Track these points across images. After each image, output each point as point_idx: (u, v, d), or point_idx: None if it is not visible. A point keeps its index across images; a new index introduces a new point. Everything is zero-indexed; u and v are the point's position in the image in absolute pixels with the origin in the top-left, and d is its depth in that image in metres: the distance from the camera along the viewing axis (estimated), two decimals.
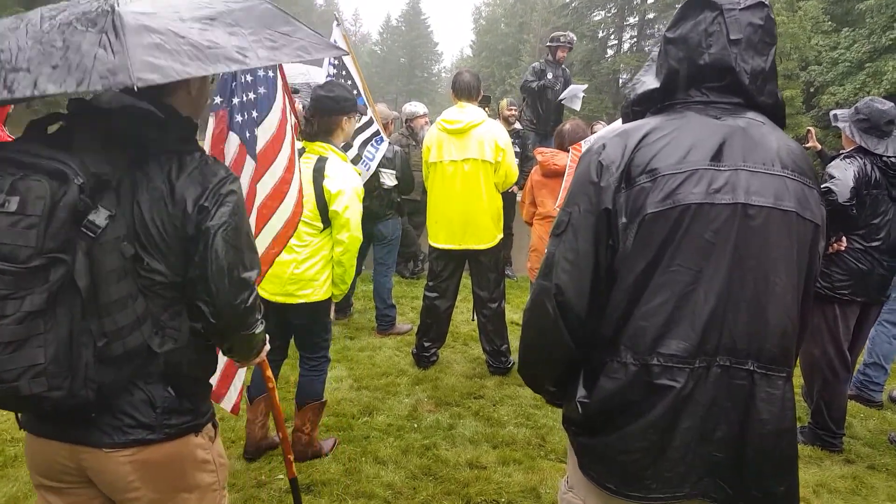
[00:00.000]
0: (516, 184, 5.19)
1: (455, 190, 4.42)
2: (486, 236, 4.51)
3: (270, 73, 2.68)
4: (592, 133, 5.02)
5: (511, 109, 7.27)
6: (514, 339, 4.86)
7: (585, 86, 8.60)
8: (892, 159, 3.58)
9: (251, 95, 2.58)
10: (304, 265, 3.12)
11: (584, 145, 4.01)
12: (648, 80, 1.59)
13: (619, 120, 1.87)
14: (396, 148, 5.36)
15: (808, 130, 5.24)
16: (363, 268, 6.32)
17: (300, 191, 2.82)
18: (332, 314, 5.50)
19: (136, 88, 1.17)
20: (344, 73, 4.83)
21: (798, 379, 3.94)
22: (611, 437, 1.47)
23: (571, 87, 7.87)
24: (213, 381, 2.56)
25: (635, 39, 39.25)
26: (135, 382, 1.50)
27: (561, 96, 7.81)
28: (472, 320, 5.17)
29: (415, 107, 6.91)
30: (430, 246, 4.75)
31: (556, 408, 1.69)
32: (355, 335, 5.48)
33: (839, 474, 3.57)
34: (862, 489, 3.44)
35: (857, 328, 3.85)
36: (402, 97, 56.34)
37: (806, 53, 23.52)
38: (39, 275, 1.30)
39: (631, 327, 1.44)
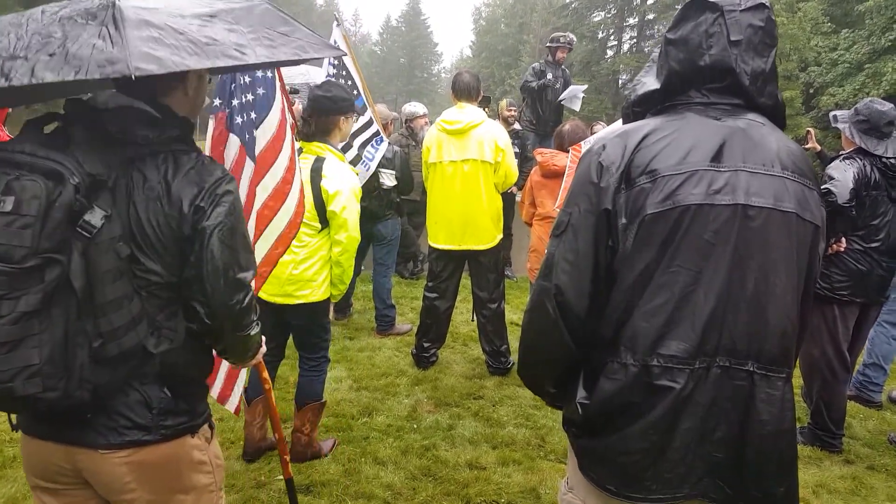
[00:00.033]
0: (515, 184, 5.19)
1: (455, 190, 4.42)
2: (486, 237, 4.51)
3: (269, 74, 2.69)
4: (592, 134, 5.02)
5: (510, 110, 7.27)
6: (513, 340, 4.86)
7: (585, 86, 8.60)
8: (892, 160, 3.59)
9: (249, 97, 2.58)
10: (302, 266, 3.12)
11: (584, 146, 4.02)
12: (649, 81, 1.59)
13: (620, 121, 1.87)
14: (396, 148, 5.36)
15: (808, 131, 5.25)
16: (362, 268, 6.32)
17: (301, 190, 2.82)
18: (332, 314, 5.50)
19: (133, 77, 1.17)
20: (344, 73, 4.83)
21: (798, 380, 3.94)
22: (611, 438, 1.47)
23: (571, 87, 7.87)
24: (219, 382, 2.57)
25: (635, 40, 39.25)
26: (130, 383, 1.49)
27: (561, 97, 7.81)
28: (472, 321, 5.17)
29: (414, 107, 6.91)
30: (429, 246, 4.74)
31: (556, 409, 1.68)
32: (355, 335, 5.48)
33: (839, 475, 3.57)
34: (861, 490, 3.44)
35: (857, 329, 3.85)
36: (401, 97, 56.36)
37: (805, 54, 23.52)
38: (35, 275, 1.30)
39: (631, 328, 1.44)
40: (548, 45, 8.19)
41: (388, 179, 5.19)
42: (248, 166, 2.56)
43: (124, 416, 1.49)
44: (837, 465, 3.69)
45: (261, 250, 2.72)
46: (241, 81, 2.56)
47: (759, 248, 1.41)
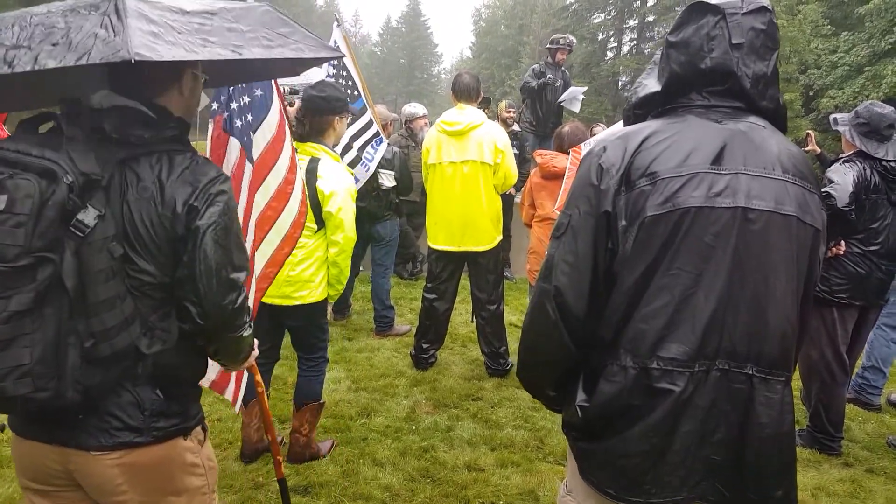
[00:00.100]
0: (514, 186, 5.19)
1: (454, 191, 4.42)
2: (485, 238, 4.50)
3: None
4: (592, 135, 5.01)
5: (510, 111, 7.27)
6: (512, 342, 4.86)
7: (585, 88, 8.60)
8: (892, 164, 3.59)
9: (246, 99, 2.58)
10: (299, 267, 3.12)
11: (584, 148, 4.01)
12: (650, 84, 1.59)
13: (620, 122, 1.87)
14: (395, 149, 5.36)
15: (808, 134, 5.26)
16: (361, 268, 6.31)
17: (303, 190, 2.83)
18: (331, 315, 5.50)
19: (133, 61, 1.18)
20: (344, 73, 4.83)
21: (797, 382, 3.94)
22: (610, 441, 1.46)
23: (571, 89, 7.87)
24: (232, 385, 2.57)
25: (635, 42, 39.28)
26: (122, 384, 1.49)
27: (560, 98, 7.81)
28: (471, 322, 5.16)
29: (414, 108, 6.91)
30: (429, 247, 4.74)
31: (555, 412, 1.68)
32: (353, 336, 5.47)
33: (837, 477, 3.57)
34: (860, 492, 3.44)
35: (856, 332, 3.85)
36: (401, 98, 56.39)
37: (805, 57, 23.55)
38: (27, 274, 1.30)
39: (631, 330, 1.44)
40: (548, 46, 8.19)
41: (388, 180, 5.19)
42: (248, 169, 2.56)
43: (116, 418, 1.48)
44: (836, 468, 3.69)
45: (266, 252, 2.73)
46: (240, 84, 2.56)
47: (759, 251, 1.41)
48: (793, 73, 23.22)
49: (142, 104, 1.48)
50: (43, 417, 1.45)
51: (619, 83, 37.69)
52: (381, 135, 5.00)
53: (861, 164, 3.58)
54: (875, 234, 3.65)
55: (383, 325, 5.51)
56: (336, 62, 4.63)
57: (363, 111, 4.87)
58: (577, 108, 7.91)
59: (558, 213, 1.54)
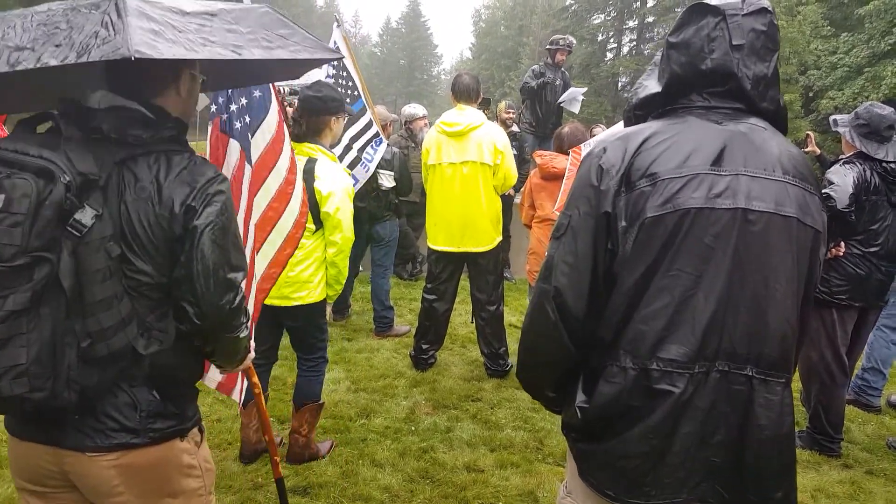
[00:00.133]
0: (513, 186, 5.19)
1: (454, 192, 4.42)
2: (485, 239, 4.50)
3: None
4: (592, 136, 5.01)
5: (509, 112, 7.26)
6: (512, 342, 4.86)
7: (584, 89, 8.61)
8: (892, 165, 3.59)
9: (244, 101, 2.58)
10: (298, 267, 3.12)
11: (584, 149, 4.01)
12: (650, 85, 1.59)
13: (620, 123, 1.87)
14: (394, 149, 5.36)
15: (807, 135, 5.25)
16: (360, 269, 6.31)
17: (304, 190, 2.83)
18: (331, 316, 5.49)
19: (133, 58, 1.18)
20: (344, 74, 4.83)
21: (797, 383, 3.94)
22: (610, 442, 1.46)
23: (570, 90, 7.87)
24: (239, 385, 2.56)
25: (634, 43, 39.30)
26: (119, 385, 1.48)
27: (560, 99, 7.81)
28: (471, 322, 5.16)
29: (414, 109, 6.91)
30: (428, 248, 4.74)
31: (555, 414, 1.68)
32: (353, 337, 5.47)
33: (837, 479, 3.57)
34: (860, 494, 3.43)
35: (856, 333, 3.85)
36: (401, 99, 56.39)
37: (805, 58, 23.57)
38: (23, 273, 1.30)
39: (630, 331, 1.43)
40: (547, 47, 8.20)
41: (387, 180, 5.19)
42: (248, 171, 2.56)
43: (112, 419, 1.48)
44: (836, 470, 3.69)
45: (268, 253, 2.73)
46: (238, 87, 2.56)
47: (759, 252, 1.40)
48: (792, 74, 23.25)
49: (140, 104, 1.48)
50: (39, 418, 1.44)
51: (619, 84, 37.73)
52: (381, 135, 5.00)
53: (861, 165, 3.58)
54: (875, 236, 3.65)
55: (383, 325, 5.51)
56: (336, 63, 4.62)
57: (363, 112, 4.87)
58: (576, 109, 7.91)
59: (558, 213, 1.54)
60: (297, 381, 3.41)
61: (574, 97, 7.81)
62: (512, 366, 4.64)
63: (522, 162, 6.90)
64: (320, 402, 3.42)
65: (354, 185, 4.78)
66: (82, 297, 1.37)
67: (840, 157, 3.78)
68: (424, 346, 4.77)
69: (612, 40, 40.48)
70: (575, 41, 8.98)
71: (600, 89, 36.44)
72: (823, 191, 3.40)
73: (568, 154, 4.28)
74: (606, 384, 1.45)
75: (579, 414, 1.49)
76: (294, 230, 2.76)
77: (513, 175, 4.50)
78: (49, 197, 1.31)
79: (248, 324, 1.66)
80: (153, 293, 1.49)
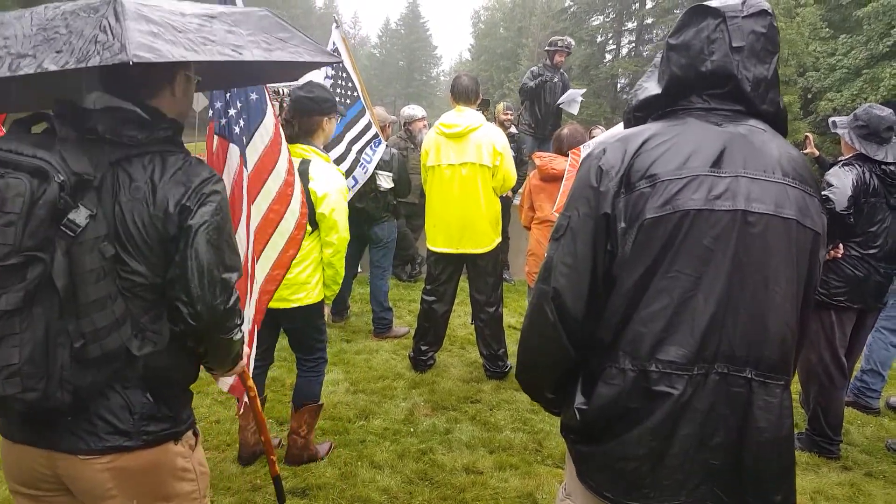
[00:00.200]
0: (512, 188, 5.18)
1: (453, 194, 4.42)
2: (484, 240, 4.50)
3: None
4: (591, 138, 5.01)
5: (507, 114, 7.26)
6: (511, 344, 4.85)
7: (584, 90, 8.62)
8: (892, 167, 3.59)
9: (240, 104, 2.58)
10: (296, 269, 3.11)
11: (584, 150, 4.01)
12: (650, 86, 1.59)
13: (620, 125, 1.86)
14: (393, 150, 5.36)
15: (806, 136, 5.25)
16: (360, 270, 6.31)
17: (302, 191, 2.83)
18: (329, 317, 5.49)
19: (131, 63, 1.18)
20: (343, 75, 4.83)
21: (796, 386, 3.94)
22: (609, 444, 1.46)
23: (569, 91, 7.88)
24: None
25: (633, 44, 39.36)
26: (112, 386, 1.47)
27: (559, 101, 7.81)
28: (470, 324, 5.15)
29: (413, 110, 6.90)
30: (427, 249, 4.74)
31: (554, 416, 1.68)
32: (352, 338, 5.46)
33: (836, 481, 3.57)
34: (859, 496, 3.43)
35: (855, 334, 3.85)
36: (400, 100, 56.43)
37: (804, 59, 23.62)
38: (17, 273, 1.29)
39: (630, 333, 1.43)
40: (546, 48, 8.20)
41: (385, 181, 5.19)
42: (247, 175, 2.56)
43: (105, 421, 1.47)
44: (835, 472, 3.69)
45: (271, 256, 2.73)
46: (234, 88, 2.55)
47: (759, 254, 1.40)
48: (791, 75, 23.30)
49: (135, 105, 1.48)
50: (31, 419, 1.44)
51: (618, 85, 37.79)
52: (380, 136, 5.00)
53: (860, 167, 3.59)
54: (873, 238, 3.65)
55: (382, 326, 5.50)
56: (335, 64, 4.62)
57: (362, 113, 4.87)
58: (575, 111, 7.91)
59: (557, 215, 1.53)
60: (297, 382, 3.41)
61: (573, 98, 7.81)
62: (511, 367, 4.64)
63: (521, 163, 6.90)
64: (319, 402, 3.41)
65: (354, 186, 4.78)
66: (76, 297, 1.37)
67: (839, 159, 3.79)
68: (423, 348, 4.76)
69: (611, 42, 40.54)
70: (574, 42, 8.99)
71: (599, 91, 36.50)
72: (822, 192, 3.40)
73: (567, 155, 4.28)
74: (605, 386, 1.45)
75: (578, 415, 1.49)
76: (296, 231, 2.77)
77: (512, 176, 4.50)
78: (43, 196, 1.31)
79: (243, 326, 1.65)
80: (147, 294, 1.48)
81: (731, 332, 1.40)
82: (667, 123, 1.50)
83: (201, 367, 1.70)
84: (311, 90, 3.21)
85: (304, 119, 3.17)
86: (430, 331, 4.74)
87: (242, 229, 2.49)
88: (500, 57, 52.19)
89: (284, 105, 2.88)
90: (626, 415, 1.43)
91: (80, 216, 1.36)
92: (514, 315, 6.05)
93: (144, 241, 1.45)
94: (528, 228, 4.79)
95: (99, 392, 1.46)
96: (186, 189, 1.47)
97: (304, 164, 3.11)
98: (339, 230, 3.13)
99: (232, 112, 2.53)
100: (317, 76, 4.53)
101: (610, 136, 1.57)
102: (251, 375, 2.39)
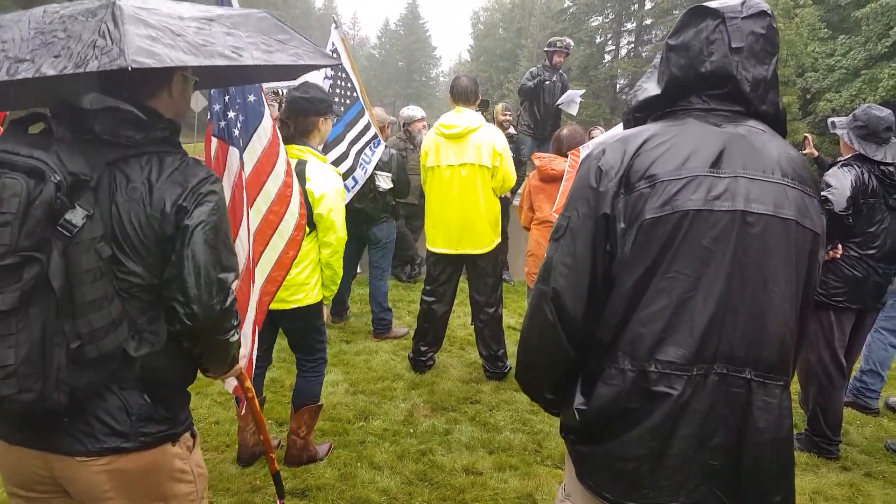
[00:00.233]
0: (511, 189, 5.18)
1: (452, 194, 4.42)
2: (484, 241, 4.50)
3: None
4: (590, 138, 5.02)
5: (506, 114, 7.25)
6: (510, 344, 4.86)
7: (583, 91, 8.63)
8: (891, 168, 3.59)
9: (239, 106, 2.58)
10: (294, 270, 3.10)
11: (584, 151, 4.02)
12: (650, 87, 1.59)
13: (619, 125, 1.87)
14: (392, 151, 5.36)
15: (805, 137, 5.25)
16: (359, 270, 6.31)
17: (301, 192, 2.83)
18: (329, 318, 5.49)
19: (129, 69, 1.18)
20: (342, 76, 4.83)
21: (795, 386, 3.94)
22: (609, 444, 1.46)
23: (569, 92, 7.88)
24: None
25: (633, 45, 39.39)
26: (109, 387, 1.47)
27: (558, 101, 7.82)
28: (469, 325, 5.15)
29: (412, 111, 6.90)
30: (427, 250, 4.74)
31: (553, 416, 1.68)
32: (351, 339, 5.46)
33: (836, 482, 3.57)
34: (858, 497, 3.43)
35: (854, 335, 3.85)
36: (399, 101, 56.42)
37: (802, 60, 23.65)
38: (13, 273, 1.29)
39: (629, 333, 1.43)
40: (545, 49, 8.20)
41: (384, 182, 5.19)
42: (245, 178, 2.56)
43: (102, 422, 1.47)
44: (834, 472, 3.69)
45: (271, 257, 2.72)
46: (232, 91, 2.55)
47: (758, 254, 1.40)
48: (790, 76, 23.34)
49: (132, 106, 1.47)
50: (28, 420, 1.43)
51: (617, 86, 37.83)
52: (379, 137, 5.00)
53: (859, 167, 3.59)
54: (872, 238, 3.65)
55: (381, 327, 5.50)
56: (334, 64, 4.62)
57: (361, 114, 4.87)
58: (574, 111, 7.92)
59: (556, 215, 1.54)
60: (297, 382, 3.41)
61: (572, 99, 7.81)
62: (511, 368, 4.64)
63: (520, 164, 6.90)
64: (319, 403, 3.41)
65: (354, 186, 4.78)
66: (72, 297, 1.37)
67: (838, 160, 3.79)
68: (423, 348, 4.76)
69: (610, 42, 40.58)
70: (573, 43, 8.98)
71: (598, 91, 36.54)
72: (821, 193, 3.40)
73: (566, 156, 4.28)
74: (605, 386, 1.45)
75: (577, 416, 1.49)
76: (295, 232, 2.77)
77: (511, 177, 4.50)
78: (39, 197, 1.31)
79: (240, 328, 1.65)
80: (144, 295, 1.48)
81: (731, 333, 1.40)
82: (666, 124, 1.50)
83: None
84: (307, 90, 3.21)
85: (299, 119, 3.17)
86: (430, 331, 4.73)
87: (244, 232, 2.49)
88: (499, 58, 52.21)
89: (283, 105, 2.88)
90: (625, 415, 1.43)
91: (76, 216, 1.36)
92: (513, 316, 6.05)
93: (141, 242, 1.45)
94: (528, 229, 4.79)
95: (96, 393, 1.45)
96: (183, 189, 1.47)
97: (301, 164, 3.11)
98: (336, 230, 3.13)
99: (231, 114, 2.52)
100: (316, 77, 4.54)
101: (609, 137, 1.57)
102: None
